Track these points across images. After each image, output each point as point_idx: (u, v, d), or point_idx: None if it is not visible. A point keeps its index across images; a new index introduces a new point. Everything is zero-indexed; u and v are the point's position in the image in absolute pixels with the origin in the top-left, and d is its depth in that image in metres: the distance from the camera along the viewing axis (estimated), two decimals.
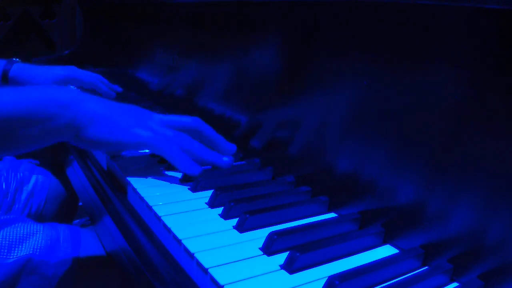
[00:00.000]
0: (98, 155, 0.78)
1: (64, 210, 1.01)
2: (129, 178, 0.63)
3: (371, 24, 0.55)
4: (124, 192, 0.63)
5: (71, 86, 1.10)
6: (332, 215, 0.58)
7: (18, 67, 1.01)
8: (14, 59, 1.04)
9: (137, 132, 0.60)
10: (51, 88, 0.63)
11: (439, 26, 0.47)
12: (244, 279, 0.43)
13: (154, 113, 0.64)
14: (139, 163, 0.69)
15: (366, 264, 0.45)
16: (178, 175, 0.66)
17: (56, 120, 0.57)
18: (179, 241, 0.49)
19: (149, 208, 0.56)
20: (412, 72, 0.51)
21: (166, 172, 0.67)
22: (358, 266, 0.44)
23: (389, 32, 0.53)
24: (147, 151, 0.69)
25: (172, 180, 0.65)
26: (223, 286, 0.41)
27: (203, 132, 0.64)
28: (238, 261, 0.45)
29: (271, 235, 0.48)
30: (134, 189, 0.60)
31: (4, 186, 0.91)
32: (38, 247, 0.70)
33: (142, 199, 0.59)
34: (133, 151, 0.71)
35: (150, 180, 0.63)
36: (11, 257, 0.68)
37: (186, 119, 0.64)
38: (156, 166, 0.68)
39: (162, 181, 0.64)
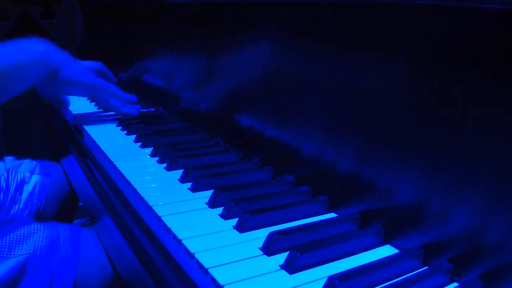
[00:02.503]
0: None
1: (64, 210, 1.01)
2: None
3: (372, 24, 0.55)
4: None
5: None
6: (332, 215, 0.58)
7: None
8: None
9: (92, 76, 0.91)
10: (31, 40, 0.84)
11: (439, 26, 0.47)
12: (244, 279, 0.43)
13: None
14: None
15: (366, 264, 0.45)
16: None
17: (39, 66, 0.81)
18: (179, 241, 0.49)
19: (149, 208, 0.57)
20: (412, 72, 0.51)
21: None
22: (358, 266, 0.44)
23: (389, 32, 0.53)
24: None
25: (169, 178, 0.65)
26: (223, 286, 0.41)
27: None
28: (238, 261, 0.45)
29: (271, 235, 0.48)
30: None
31: (4, 186, 0.91)
32: (39, 247, 0.70)
33: (142, 199, 0.59)
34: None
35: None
36: (12, 256, 0.68)
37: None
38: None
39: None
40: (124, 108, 0.96)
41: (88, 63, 0.94)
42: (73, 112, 1.03)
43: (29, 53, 0.80)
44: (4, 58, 0.74)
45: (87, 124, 0.94)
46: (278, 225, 0.54)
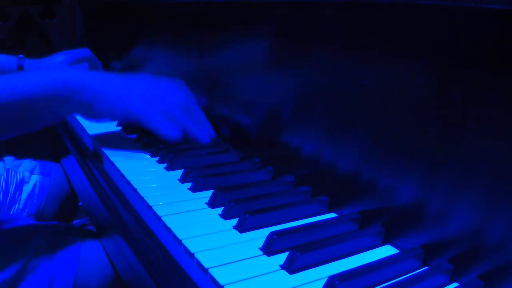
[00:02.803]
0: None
1: (64, 210, 1.01)
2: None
3: (372, 24, 0.55)
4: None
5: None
6: (332, 215, 0.58)
7: (30, 61, 1.10)
8: (20, 55, 1.10)
9: (130, 109, 0.69)
10: (62, 71, 0.71)
11: (439, 26, 0.47)
12: (244, 279, 0.43)
13: (153, 85, 0.74)
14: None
15: (366, 264, 0.45)
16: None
17: (70, 101, 0.66)
18: (179, 241, 0.49)
19: (149, 208, 0.57)
20: (412, 72, 0.50)
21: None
22: (358, 266, 0.44)
23: (389, 32, 0.53)
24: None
25: (169, 178, 0.65)
26: (223, 286, 0.41)
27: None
28: (238, 261, 0.45)
29: (271, 235, 0.48)
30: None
31: (4, 186, 0.91)
32: (39, 247, 0.70)
33: (142, 199, 0.59)
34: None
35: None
36: (12, 256, 0.68)
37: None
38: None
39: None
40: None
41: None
42: None
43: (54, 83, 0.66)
44: (25, 89, 0.64)
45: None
46: (278, 225, 0.54)
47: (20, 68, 1.08)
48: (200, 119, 0.75)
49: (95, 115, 0.69)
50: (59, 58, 1.22)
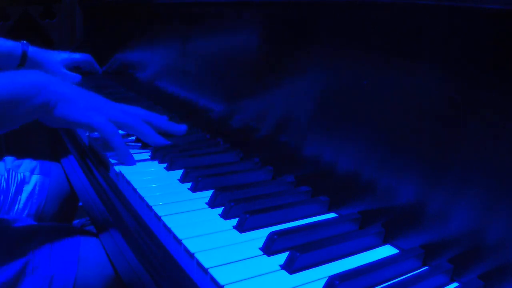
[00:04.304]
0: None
1: (64, 210, 1.01)
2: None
3: (372, 24, 0.55)
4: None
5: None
6: (332, 215, 0.58)
7: (33, 49, 1.16)
8: (23, 41, 1.13)
9: (92, 116, 0.70)
10: (27, 73, 0.71)
11: (439, 26, 0.47)
12: (244, 279, 0.43)
13: (110, 101, 0.75)
14: None
15: (366, 264, 0.45)
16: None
17: (34, 100, 0.66)
18: (179, 241, 0.49)
19: (149, 208, 0.57)
20: (411, 72, 0.51)
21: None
22: (358, 266, 0.44)
23: (389, 32, 0.53)
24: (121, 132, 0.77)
25: (169, 178, 0.65)
26: (223, 286, 0.41)
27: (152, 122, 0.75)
28: (238, 261, 0.45)
29: (271, 235, 0.48)
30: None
31: (4, 186, 0.91)
32: (39, 247, 0.70)
33: (142, 199, 0.59)
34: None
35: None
36: (12, 257, 0.68)
37: (136, 108, 0.76)
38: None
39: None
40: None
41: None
42: None
43: (21, 84, 0.67)
44: None
45: None
46: (278, 225, 0.54)
47: (24, 53, 1.13)
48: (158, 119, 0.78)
49: (54, 119, 0.70)
50: (60, 56, 1.23)
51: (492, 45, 0.42)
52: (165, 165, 0.71)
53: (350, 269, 0.43)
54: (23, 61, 1.16)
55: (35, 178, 0.97)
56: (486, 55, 0.43)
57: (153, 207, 0.56)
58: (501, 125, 0.41)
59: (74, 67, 1.30)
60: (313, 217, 0.56)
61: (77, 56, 1.30)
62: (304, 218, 0.56)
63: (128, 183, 0.64)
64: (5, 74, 0.67)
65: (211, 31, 0.88)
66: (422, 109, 0.49)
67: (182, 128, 0.78)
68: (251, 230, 0.52)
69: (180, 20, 1.01)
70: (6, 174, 0.93)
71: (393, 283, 0.43)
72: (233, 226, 0.53)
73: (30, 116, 0.68)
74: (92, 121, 0.70)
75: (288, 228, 0.51)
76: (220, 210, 0.56)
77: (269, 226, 0.53)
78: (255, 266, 0.45)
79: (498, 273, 0.41)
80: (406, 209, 0.49)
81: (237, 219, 0.53)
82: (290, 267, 0.44)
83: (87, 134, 0.84)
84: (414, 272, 0.45)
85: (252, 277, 0.43)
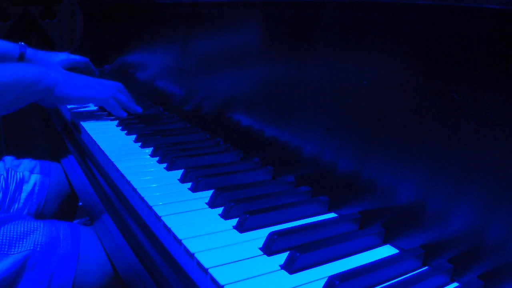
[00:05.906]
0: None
1: (64, 209, 1.01)
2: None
3: (372, 24, 0.55)
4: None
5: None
6: (332, 215, 0.58)
7: (31, 50, 1.20)
8: (21, 43, 1.14)
9: (86, 91, 0.94)
10: (29, 65, 0.96)
11: (439, 26, 0.47)
12: (244, 279, 0.43)
13: (94, 79, 0.99)
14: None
15: (366, 264, 0.45)
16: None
17: (37, 86, 0.86)
18: (179, 241, 0.49)
19: (149, 208, 0.57)
20: (412, 72, 0.50)
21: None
22: (358, 266, 0.44)
23: (389, 32, 0.53)
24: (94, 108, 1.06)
25: (170, 178, 0.65)
26: (223, 286, 0.41)
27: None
28: (238, 261, 0.45)
29: (271, 235, 0.48)
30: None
31: (4, 186, 0.91)
32: (38, 244, 0.71)
33: (142, 199, 0.59)
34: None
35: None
36: (12, 253, 0.68)
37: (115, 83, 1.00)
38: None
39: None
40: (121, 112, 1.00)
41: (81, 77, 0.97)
42: (72, 110, 1.04)
43: (23, 73, 0.84)
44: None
45: (84, 120, 0.95)
46: (278, 225, 0.54)
47: (22, 55, 1.16)
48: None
49: (54, 99, 0.90)
50: (58, 57, 1.24)
51: (492, 45, 0.42)
52: (165, 165, 0.71)
53: (350, 269, 0.43)
54: (20, 61, 1.16)
55: (34, 177, 0.97)
56: (486, 55, 0.43)
57: (153, 207, 0.56)
58: (501, 124, 0.41)
59: (72, 68, 1.31)
60: (313, 217, 0.56)
61: (75, 58, 1.31)
62: (304, 218, 0.56)
63: (128, 183, 0.64)
64: (10, 64, 0.85)
65: (212, 30, 0.88)
66: (422, 109, 0.49)
67: (138, 109, 1.00)
68: (251, 230, 0.52)
69: (180, 20, 1.01)
70: (5, 173, 0.93)
71: (393, 283, 0.43)
72: (233, 226, 0.53)
73: (33, 97, 0.86)
74: (86, 95, 0.94)
75: (288, 228, 0.51)
76: (220, 210, 0.56)
77: (269, 226, 0.53)
78: (255, 266, 0.45)
79: (498, 273, 0.41)
80: (406, 209, 0.49)
81: (237, 219, 0.53)
82: (290, 267, 0.44)
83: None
84: (414, 272, 0.45)
85: (252, 277, 0.43)
